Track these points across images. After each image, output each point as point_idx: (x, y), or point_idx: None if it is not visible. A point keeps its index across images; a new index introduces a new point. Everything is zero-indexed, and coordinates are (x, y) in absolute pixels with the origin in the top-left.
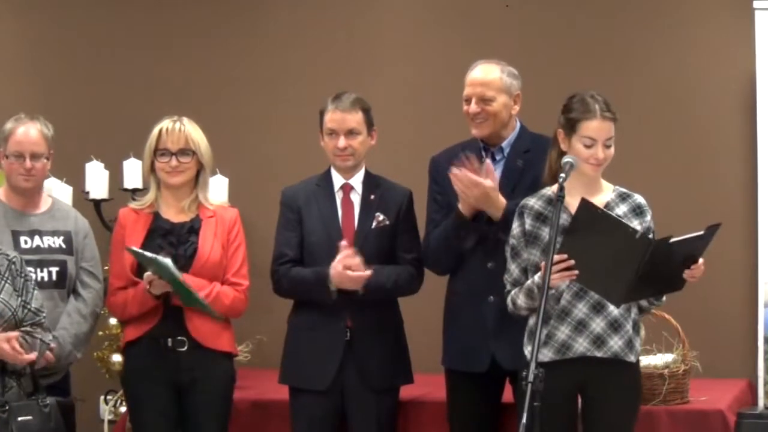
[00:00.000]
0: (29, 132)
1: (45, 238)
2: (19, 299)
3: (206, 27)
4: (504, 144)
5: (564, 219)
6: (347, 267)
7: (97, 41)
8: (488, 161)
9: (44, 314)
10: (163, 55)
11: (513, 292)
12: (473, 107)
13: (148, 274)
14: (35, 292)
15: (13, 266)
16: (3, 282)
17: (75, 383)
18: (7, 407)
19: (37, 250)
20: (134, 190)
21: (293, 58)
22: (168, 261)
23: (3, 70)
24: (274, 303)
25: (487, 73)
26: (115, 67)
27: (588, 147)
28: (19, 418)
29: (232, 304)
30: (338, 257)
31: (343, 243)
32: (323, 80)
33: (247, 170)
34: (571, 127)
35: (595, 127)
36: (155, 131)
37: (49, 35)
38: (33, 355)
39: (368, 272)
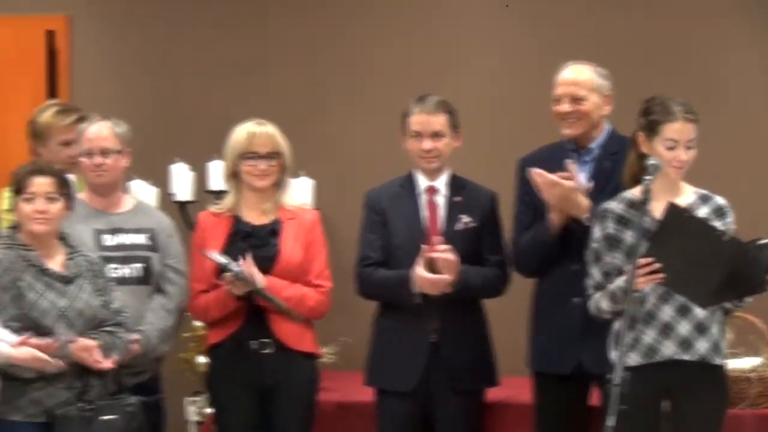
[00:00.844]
0: (97, 129)
1: (129, 236)
2: (101, 299)
3: (290, 29)
4: (593, 145)
5: (646, 222)
6: (436, 264)
7: (182, 43)
8: (569, 162)
9: (126, 314)
10: (248, 58)
11: (596, 296)
12: (565, 106)
13: (227, 274)
14: (116, 293)
15: (94, 267)
16: (84, 283)
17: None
18: (90, 406)
19: (121, 247)
20: (219, 192)
21: (378, 60)
22: (240, 268)
23: (90, 72)
24: (359, 305)
25: (579, 73)
26: (201, 69)
27: (670, 149)
28: (102, 417)
29: (315, 306)
30: (430, 252)
31: (436, 238)
32: (407, 82)
33: (332, 172)
34: (652, 129)
35: (677, 128)
36: (240, 134)
37: (134, 37)
38: (111, 362)
39: (449, 276)
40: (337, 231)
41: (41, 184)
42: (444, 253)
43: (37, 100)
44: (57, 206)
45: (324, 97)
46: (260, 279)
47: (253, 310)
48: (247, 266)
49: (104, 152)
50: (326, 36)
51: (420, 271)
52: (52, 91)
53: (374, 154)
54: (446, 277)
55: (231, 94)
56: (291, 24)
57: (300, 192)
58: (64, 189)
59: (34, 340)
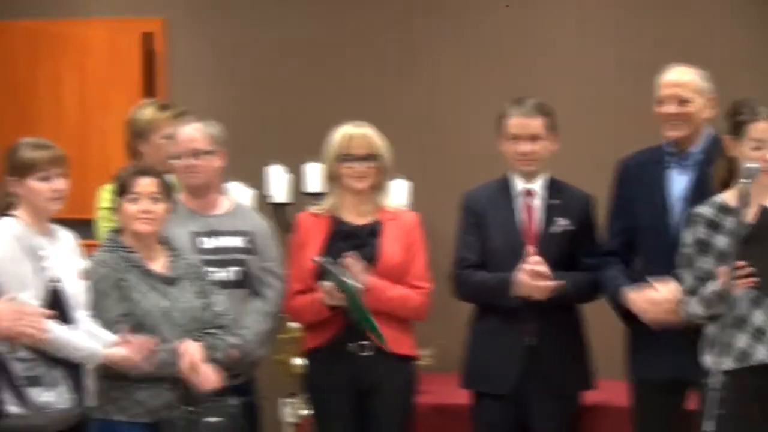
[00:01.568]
0: (188, 131)
1: (226, 238)
2: (203, 302)
3: (388, 31)
4: (693, 149)
5: (737, 225)
6: (534, 275)
7: (279, 45)
8: (530, 248)
9: (229, 317)
10: (345, 59)
11: (688, 301)
12: (670, 108)
13: (327, 284)
14: (218, 296)
15: (195, 270)
16: (187, 284)
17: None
18: (194, 408)
19: (218, 250)
20: (315, 194)
21: (476, 62)
22: (354, 284)
23: (186, 74)
24: (455, 307)
25: (683, 74)
26: (299, 70)
27: (756, 149)
28: (206, 419)
29: (417, 306)
30: (525, 265)
31: (530, 248)
32: (503, 83)
33: (429, 174)
34: (739, 130)
35: (762, 128)
36: (339, 136)
37: (231, 39)
38: (216, 379)
39: (555, 282)
40: (434, 233)
41: (146, 184)
42: (536, 265)
43: (135, 102)
44: (161, 206)
45: (419, 100)
46: (365, 279)
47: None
48: (353, 264)
49: (195, 154)
50: (422, 38)
51: (523, 275)
52: (149, 93)
53: (471, 157)
54: (553, 283)
55: (328, 96)
56: (389, 25)
57: (397, 194)
58: (166, 190)
59: (132, 338)
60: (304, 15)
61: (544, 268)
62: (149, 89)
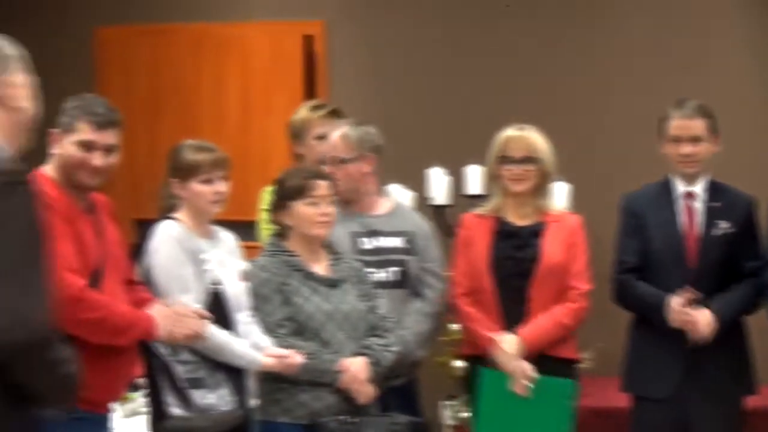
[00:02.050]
0: (332, 138)
1: (386, 239)
2: (366, 304)
3: (549, 34)
4: None
5: None
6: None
7: (440, 48)
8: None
9: (393, 319)
10: (506, 63)
11: None
12: None
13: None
14: (382, 299)
15: (358, 273)
16: (349, 287)
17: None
18: (353, 419)
19: (378, 251)
20: (475, 197)
21: (634, 64)
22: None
23: (347, 77)
24: (616, 310)
25: None
26: (459, 72)
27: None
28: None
29: (572, 322)
30: (676, 302)
31: (687, 292)
32: (662, 85)
33: (590, 177)
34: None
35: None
36: (500, 139)
37: (391, 41)
38: (373, 391)
39: (707, 322)
40: (595, 236)
41: (324, 187)
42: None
43: (296, 105)
44: (333, 210)
45: (581, 102)
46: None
47: (514, 319)
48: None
49: (336, 162)
50: (583, 40)
51: (677, 305)
52: (310, 96)
53: (631, 159)
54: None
55: (488, 98)
56: (550, 28)
57: (558, 196)
58: (335, 193)
59: (280, 352)
60: (466, 16)
61: (696, 314)
62: (310, 91)
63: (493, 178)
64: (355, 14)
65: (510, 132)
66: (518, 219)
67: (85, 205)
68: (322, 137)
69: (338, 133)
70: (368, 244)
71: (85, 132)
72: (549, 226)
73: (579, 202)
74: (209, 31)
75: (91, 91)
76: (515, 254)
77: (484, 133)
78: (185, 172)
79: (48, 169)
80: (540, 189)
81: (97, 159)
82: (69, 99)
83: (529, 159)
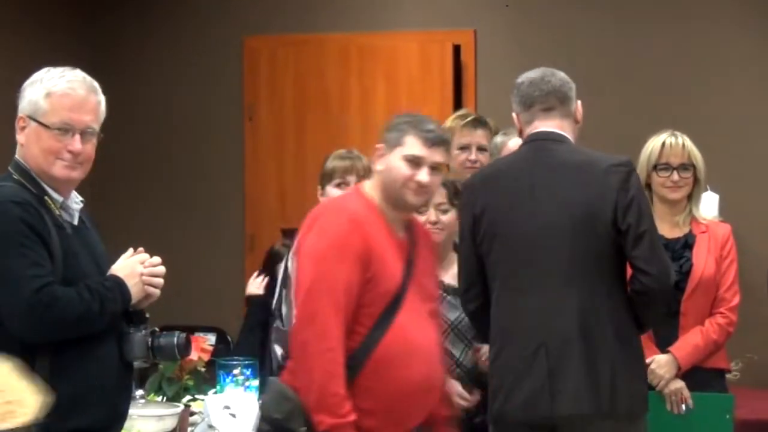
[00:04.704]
0: (506, 148)
1: None
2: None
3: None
4: None
5: None
6: None
7: (589, 57)
8: None
9: None
10: (652, 66)
11: None
12: None
13: None
14: None
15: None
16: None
17: None
18: None
19: None
20: None
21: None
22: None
23: (495, 86)
24: (766, 321)
25: None
26: (608, 78)
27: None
28: None
29: (721, 338)
30: None
31: None
32: None
33: (738, 186)
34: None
35: (464, 133)
36: (654, 145)
37: (540, 49)
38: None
39: None
40: (745, 245)
41: (439, 194)
42: None
43: (445, 114)
44: (449, 216)
45: (728, 111)
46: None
47: (666, 333)
48: None
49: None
50: (731, 45)
51: None
52: (458, 105)
53: None
54: None
55: (636, 104)
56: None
57: (706, 206)
58: (455, 199)
59: None
60: (613, 22)
61: None
62: (458, 101)
63: (645, 186)
64: (503, 22)
65: (666, 138)
66: (669, 228)
67: (399, 225)
68: (465, 148)
69: (480, 133)
70: None
71: (414, 147)
72: (699, 236)
73: (727, 211)
74: (357, 41)
75: (240, 99)
76: None
77: (631, 139)
78: (324, 177)
79: (367, 186)
80: (693, 197)
81: (423, 175)
82: (396, 116)
83: (686, 166)
